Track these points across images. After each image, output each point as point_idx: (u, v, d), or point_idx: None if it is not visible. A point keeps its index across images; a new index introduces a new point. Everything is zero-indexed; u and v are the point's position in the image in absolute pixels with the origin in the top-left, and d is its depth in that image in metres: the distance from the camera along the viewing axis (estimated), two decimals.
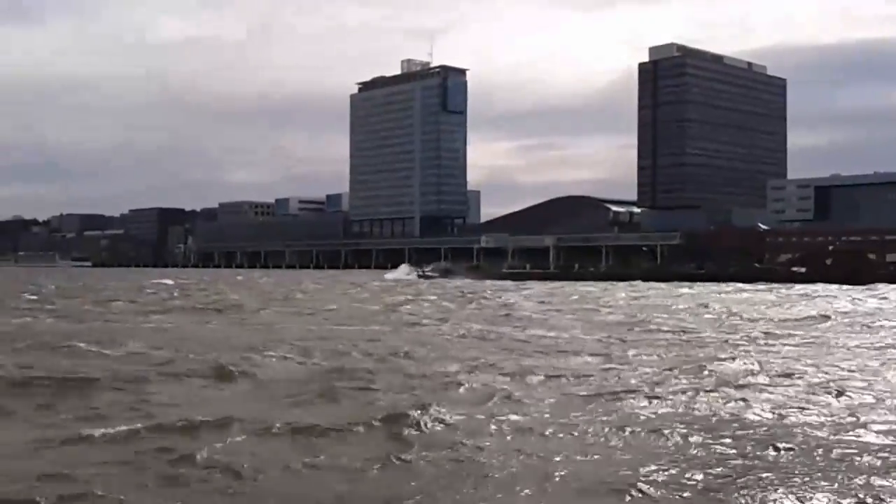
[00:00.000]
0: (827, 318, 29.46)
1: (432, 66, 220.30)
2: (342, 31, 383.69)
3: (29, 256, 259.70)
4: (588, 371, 14.23)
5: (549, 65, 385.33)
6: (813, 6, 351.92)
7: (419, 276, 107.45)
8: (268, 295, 49.50)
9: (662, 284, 74.22)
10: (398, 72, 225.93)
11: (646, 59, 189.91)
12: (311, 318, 28.83)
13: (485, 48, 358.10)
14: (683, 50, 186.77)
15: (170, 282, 72.92)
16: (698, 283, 76.65)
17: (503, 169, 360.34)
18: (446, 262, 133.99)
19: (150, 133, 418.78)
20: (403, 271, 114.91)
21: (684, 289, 63.47)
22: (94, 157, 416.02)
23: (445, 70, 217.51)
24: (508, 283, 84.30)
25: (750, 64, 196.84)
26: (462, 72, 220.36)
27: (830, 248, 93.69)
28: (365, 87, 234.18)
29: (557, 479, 7.38)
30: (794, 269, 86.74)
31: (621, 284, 74.15)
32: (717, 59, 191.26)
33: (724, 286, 68.54)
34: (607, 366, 15.04)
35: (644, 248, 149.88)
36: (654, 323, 26.95)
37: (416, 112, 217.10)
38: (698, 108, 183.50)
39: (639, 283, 78.72)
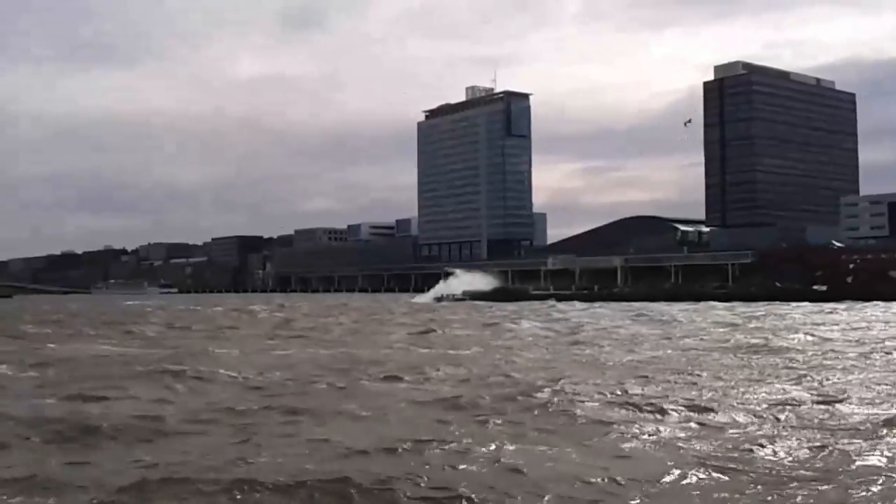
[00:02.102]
0: None
1: (496, 91, 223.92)
2: (409, 62, 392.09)
3: (119, 284, 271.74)
4: None
5: (611, 86, 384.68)
6: (879, 21, 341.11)
7: (436, 301, 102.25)
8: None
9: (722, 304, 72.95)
10: (463, 98, 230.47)
11: (710, 77, 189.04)
12: None
13: (548, 71, 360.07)
14: (749, 67, 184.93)
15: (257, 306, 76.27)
16: (739, 302, 75.64)
17: (568, 191, 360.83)
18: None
19: (229, 165, 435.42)
20: (430, 296, 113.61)
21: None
22: (178, 188, 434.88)
23: (509, 95, 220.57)
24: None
25: (818, 80, 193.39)
26: (525, 96, 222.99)
27: (851, 265, 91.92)
28: (431, 114, 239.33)
29: None
30: (815, 287, 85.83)
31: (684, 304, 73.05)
32: (784, 75, 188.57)
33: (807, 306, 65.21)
34: None
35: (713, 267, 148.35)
36: None
37: (482, 137, 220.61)
38: (766, 124, 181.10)
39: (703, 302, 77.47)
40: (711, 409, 13.33)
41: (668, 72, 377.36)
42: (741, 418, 12.68)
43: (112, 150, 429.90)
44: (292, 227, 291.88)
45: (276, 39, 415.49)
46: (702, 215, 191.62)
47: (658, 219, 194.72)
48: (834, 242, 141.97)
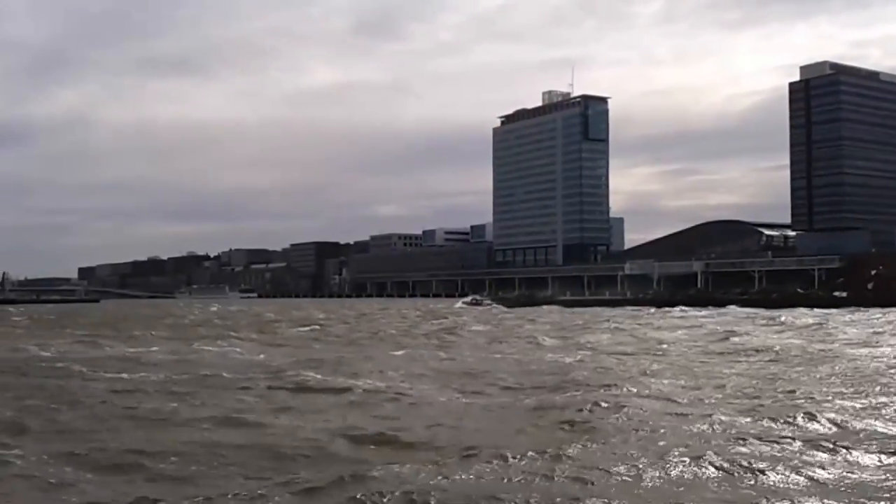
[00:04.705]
0: None
1: (573, 95, 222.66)
2: (484, 67, 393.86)
3: (201, 289, 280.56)
4: None
5: (689, 88, 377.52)
6: None
7: (465, 304, 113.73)
8: None
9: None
10: (539, 103, 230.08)
11: (795, 78, 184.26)
12: None
13: (625, 73, 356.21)
14: (837, 67, 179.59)
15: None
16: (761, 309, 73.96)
17: (646, 195, 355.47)
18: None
19: (307, 172, 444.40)
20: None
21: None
22: (256, 195, 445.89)
23: (586, 99, 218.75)
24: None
25: None
26: (603, 100, 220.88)
27: (873, 272, 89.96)
28: (507, 119, 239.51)
29: None
30: (836, 293, 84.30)
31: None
32: (873, 75, 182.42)
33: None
34: None
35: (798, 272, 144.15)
36: None
37: (558, 141, 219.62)
38: (854, 126, 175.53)
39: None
40: None
41: (749, 73, 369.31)
42: None
43: (196, 160, 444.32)
44: (368, 234, 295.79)
45: (349, 47, 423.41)
46: (783, 218, 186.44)
47: (740, 223, 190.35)
48: None
